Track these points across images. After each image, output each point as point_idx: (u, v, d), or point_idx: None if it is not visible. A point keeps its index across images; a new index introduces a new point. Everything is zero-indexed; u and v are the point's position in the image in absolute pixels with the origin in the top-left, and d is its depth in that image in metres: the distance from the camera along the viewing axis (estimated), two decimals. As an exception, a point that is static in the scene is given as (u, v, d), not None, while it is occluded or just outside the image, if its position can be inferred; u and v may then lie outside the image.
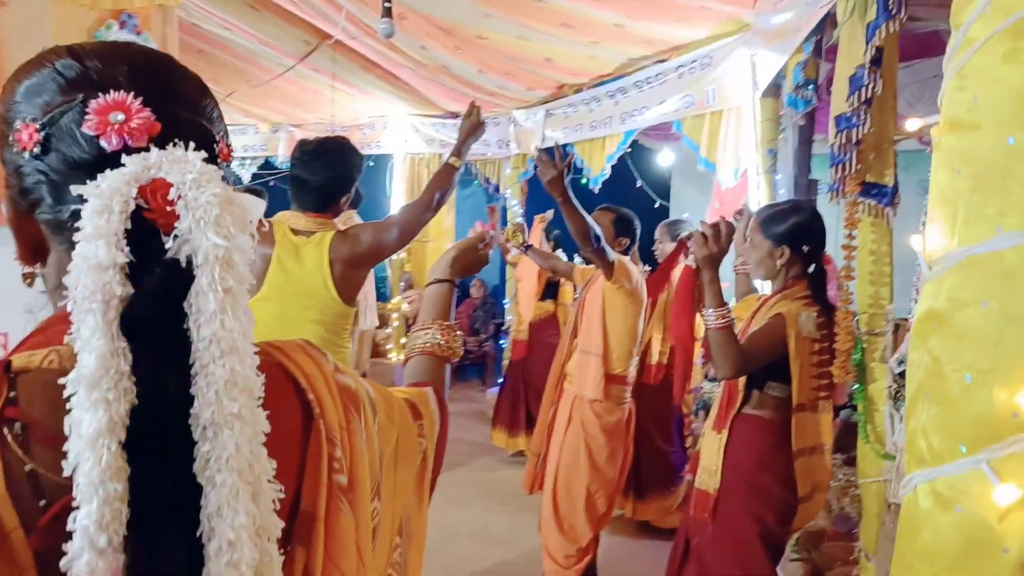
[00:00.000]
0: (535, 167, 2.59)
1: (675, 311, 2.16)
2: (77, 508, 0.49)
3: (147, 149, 0.57)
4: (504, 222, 6.59)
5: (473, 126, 2.29)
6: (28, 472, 0.51)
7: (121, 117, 0.58)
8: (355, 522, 0.65)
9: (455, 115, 6.50)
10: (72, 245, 0.57)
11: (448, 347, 1.07)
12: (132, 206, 0.54)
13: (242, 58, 5.56)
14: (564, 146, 5.55)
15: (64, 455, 0.50)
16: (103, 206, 0.53)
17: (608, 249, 2.74)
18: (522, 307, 4.99)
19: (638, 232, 3.13)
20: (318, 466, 0.64)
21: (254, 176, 8.08)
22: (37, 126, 0.58)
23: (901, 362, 2.03)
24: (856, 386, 2.12)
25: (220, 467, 0.53)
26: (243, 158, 8.12)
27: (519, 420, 4.94)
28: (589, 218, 2.63)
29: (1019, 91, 0.73)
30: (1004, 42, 0.75)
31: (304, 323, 2.16)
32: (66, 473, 0.49)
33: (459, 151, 2.28)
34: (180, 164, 0.56)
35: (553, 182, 2.51)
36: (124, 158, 0.56)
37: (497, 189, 6.68)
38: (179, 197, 0.55)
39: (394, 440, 0.79)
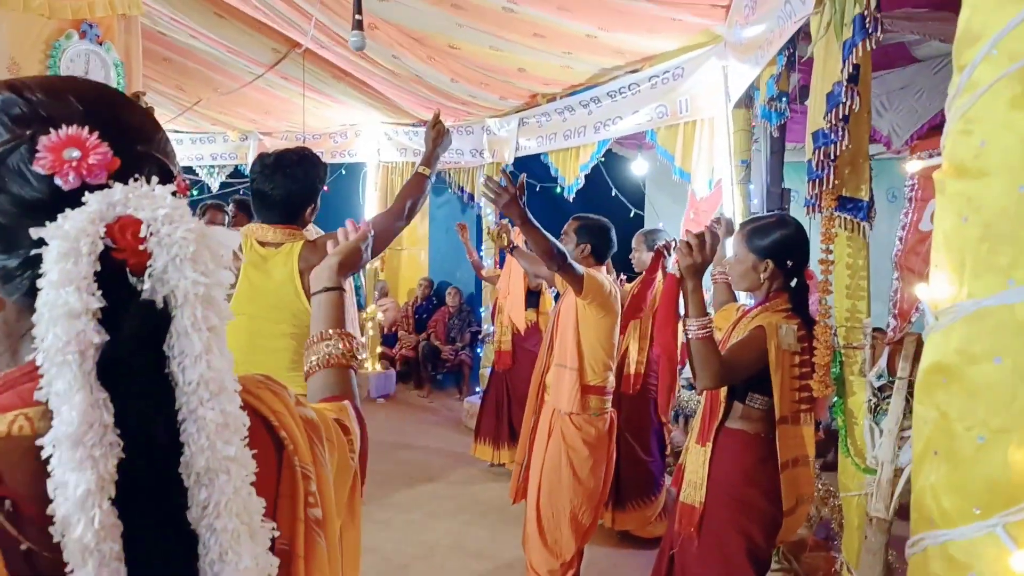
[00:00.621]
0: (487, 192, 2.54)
1: (659, 321, 2.15)
2: (70, 573, 0.46)
3: (107, 186, 0.54)
4: (479, 234, 6.57)
5: (439, 134, 2.28)
6: (24, 552, 0.48)
7: (77, 154, 0.54)
8: (327, 553, 0.66)
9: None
10: (26, 296, 0.55)
11: (352, 355, 1.05)
12: (100, 247, 0.51)
13: (209, 66, 5.47)
14: (538, 155, 5.54)
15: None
16: (69, 249, 0.50)
17: (575, 265, 2.72)
18: (514, 317, 4.87)
19: (610, 238, 3.08)
20: (294, 503, 0.63)
21: (223, 184, 7.95)
22: None
23: (880, 376, 2.05)
24: (836, 399, 2.12)
25: (219, 512, 0.52)
26: (212, 166, 7.99)
27: (503, 433, 4.87)
28: (551, 237, 2.61)
29: (1029, 138, 0.71)
30: (1011, 87, 0.73)
31: (277, 338, 2.11)
32: (56, 539, 0.47)
33: (428, 161, 2.27)
34: (148, 200, 0.54)
35: (508, 206, 2.48)
36: (87, 196, 0.53)
37: (472, 197, 6.65)
38: (150, 234, 0.53)
39: (335, 460, 0.78)
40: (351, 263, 1.18)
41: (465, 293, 7.58)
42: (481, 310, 6.95)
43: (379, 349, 7.31)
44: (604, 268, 3.03)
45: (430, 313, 7.63)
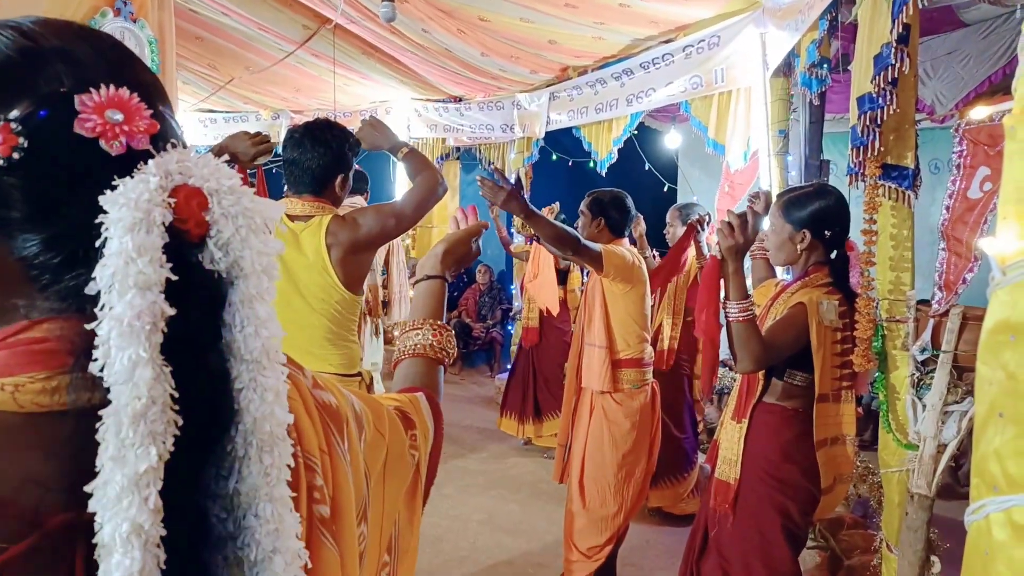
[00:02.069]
0: (487, 183, 2.53)
1: (700, 303, 2.10)
2: (101, 556, 0.44)
3: (149, 152, 0.52)
4: (508, 214, 6.53)
5: (371, 127, 2.35)
6: None
7: (120, 116, 0.51)
8: (339, 555, 0.60)
9: (458, 99, 6.42)
10: (44, 270, 0.51)
11: (441, 348, 0.99)
12: (169, 217, 0.49)
13: (241, 44, 5.48)
14: (570, 129, 5.46)
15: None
16: (141, 218, 0.47)
17: (590, 245, 2.66)
18: (546, 301, 4.73)
19: (625, 208, 2.97)
20: (296, 498, 0.58)
21: (255, 164, 8.02)
22: (12, 127, 0.49)
23: (923, 349, 1.98)
24: (877, 374, 2.07)
25: (279, 479, 0.52)
26: (244, 145, 8.04)
27: (528, 408, 4.88)
28: (558, 223, 2.57)
29: (1112, 74, 0.65)
30: (1093, 19, 0.67)
31: (308, 315, 2.11)
32: (99, 519, 0.44)
33: (397, 144, 2.33)
34: (207, 168, 0.52)
35: (507, 202, 2.46)
36: (150, 163, 0.50)
37: (502, 174, 6.61)
38: (215, 205, 0.51)
39: (383, 455, 0.74)
40: (458, 254, 1.12)
41: (496, 270, 7.57)
42: (511, 287, 6.94)
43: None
44: (624, 241, 2.94)
45: (461, 291, 7.65)
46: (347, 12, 4.44)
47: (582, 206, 3.03)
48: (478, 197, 7.87)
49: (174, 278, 0.48)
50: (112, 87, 0.51)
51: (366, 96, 6.77)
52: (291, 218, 2.12)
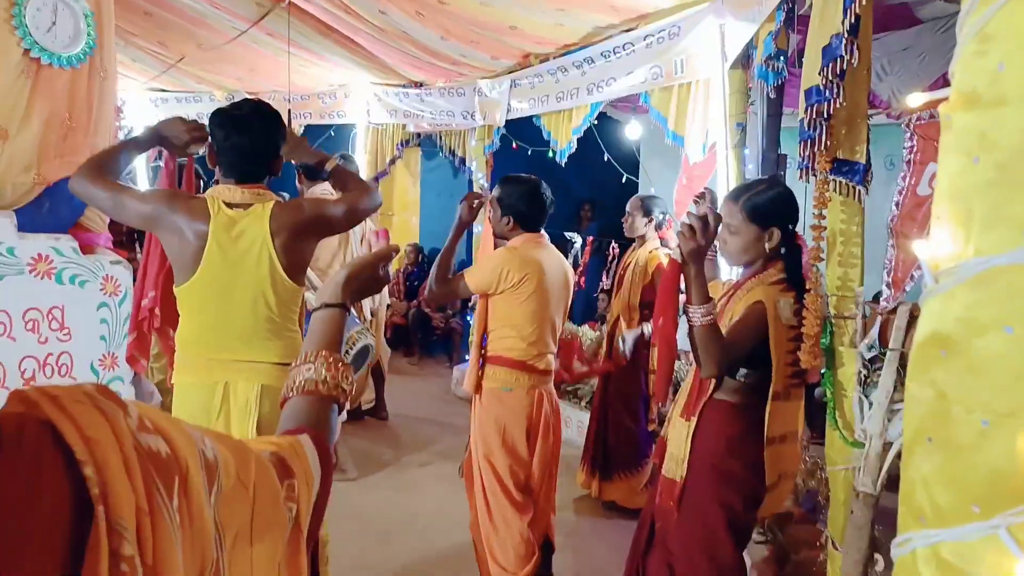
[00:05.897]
0: None
1: (658, 308, 2.05)
2: None
3: None
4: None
5: (295, 139, 2.37)
6: None
7: None
8: None
9: (419, 84, 6.29)
10: None
11: (335, 385, 0.89)
12: None
13: (192, 20, 5.27)
14: (530, 118, 5.39)
15: None
16: None
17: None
18: None
19: (539, 203, 2.67)
20: (96, 567, 0.48)
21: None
22: None
23: (871, 347, 1.97)
24: (825, 371, 2.05)
25: None
26: (198, 127, 7.84)
27: None
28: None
29: (1060, 56, 0.59)
30: (1041, -6, 0.61)
31: (247, 305, 2.05)
32: None
33: (323, 156, 2.37)
34: None
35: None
36: None
37: (463, 161, 6.51)
38: None
39: (248, 509, 0.65)
40: (362, 281, 1.03)
41: (456, 259, 7.47)
42: (472, 277, 6.86)
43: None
44: (540, 236, 2.70)
45: (421, 280, 7.54)
46: (300, -10, 4.29)
47: (492, 196, 2.74)
48: (440, 184, 7.75)
49: None
50: None
51: (323, 78, 6.60)
52: (229, 206, 2.03)
